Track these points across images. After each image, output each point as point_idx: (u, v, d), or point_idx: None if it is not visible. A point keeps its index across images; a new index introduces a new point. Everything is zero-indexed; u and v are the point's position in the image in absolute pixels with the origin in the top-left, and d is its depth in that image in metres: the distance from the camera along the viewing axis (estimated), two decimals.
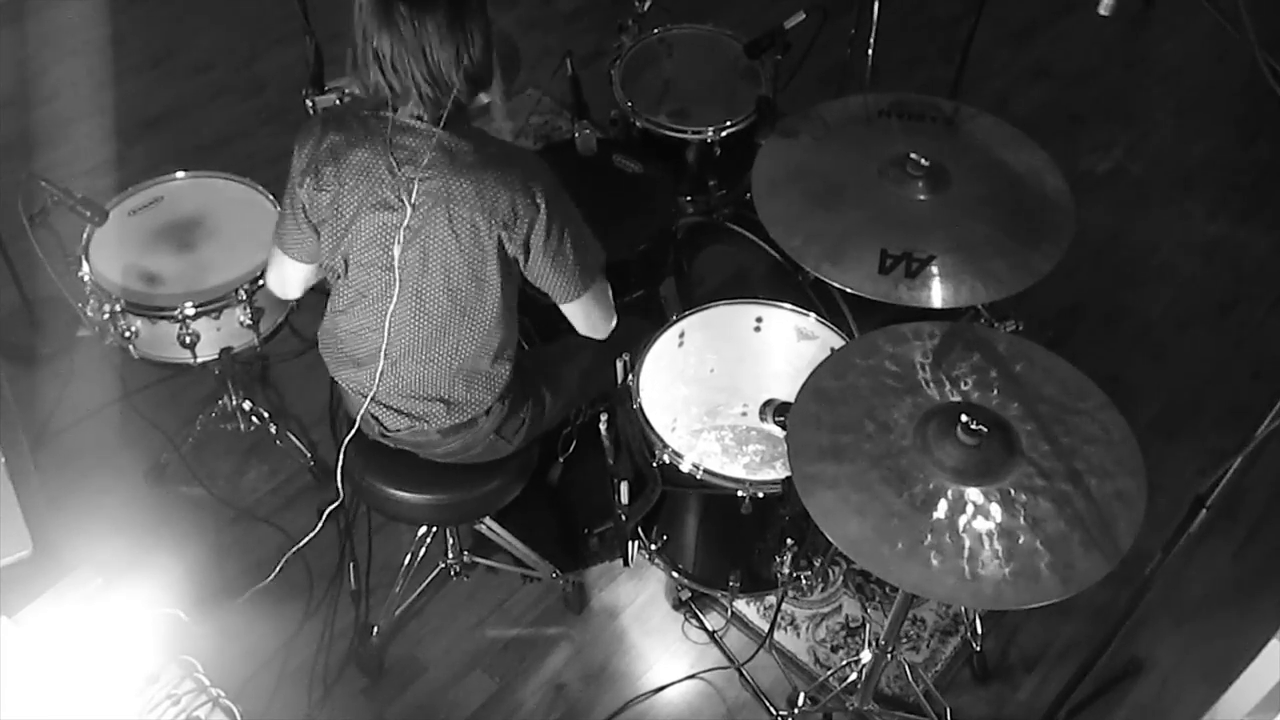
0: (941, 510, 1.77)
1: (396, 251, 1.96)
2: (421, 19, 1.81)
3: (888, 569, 1.75)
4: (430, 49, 1.82)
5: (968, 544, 1.74)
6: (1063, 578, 1.71)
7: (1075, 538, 1.74)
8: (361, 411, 2.18)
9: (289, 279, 2.21)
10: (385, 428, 2.20)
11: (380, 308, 2.04)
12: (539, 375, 2.28)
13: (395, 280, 1.99)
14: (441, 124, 1.90)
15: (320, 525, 2.48)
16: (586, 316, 2.16)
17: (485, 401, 2.15)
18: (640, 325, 2.47)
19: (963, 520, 1.76)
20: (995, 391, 1.92)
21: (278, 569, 2.62)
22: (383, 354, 2.08)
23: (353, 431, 2.21)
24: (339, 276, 2.08)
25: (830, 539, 1.78)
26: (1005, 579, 1.71)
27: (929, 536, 1.75)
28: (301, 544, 2.57)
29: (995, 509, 1.77)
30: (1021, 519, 1.76)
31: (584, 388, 2.41)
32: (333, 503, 2.35)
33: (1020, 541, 1.74)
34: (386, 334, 2.05)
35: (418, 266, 1.98)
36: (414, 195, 1.91)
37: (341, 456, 2.25)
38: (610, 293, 2.19)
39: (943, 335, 2.00)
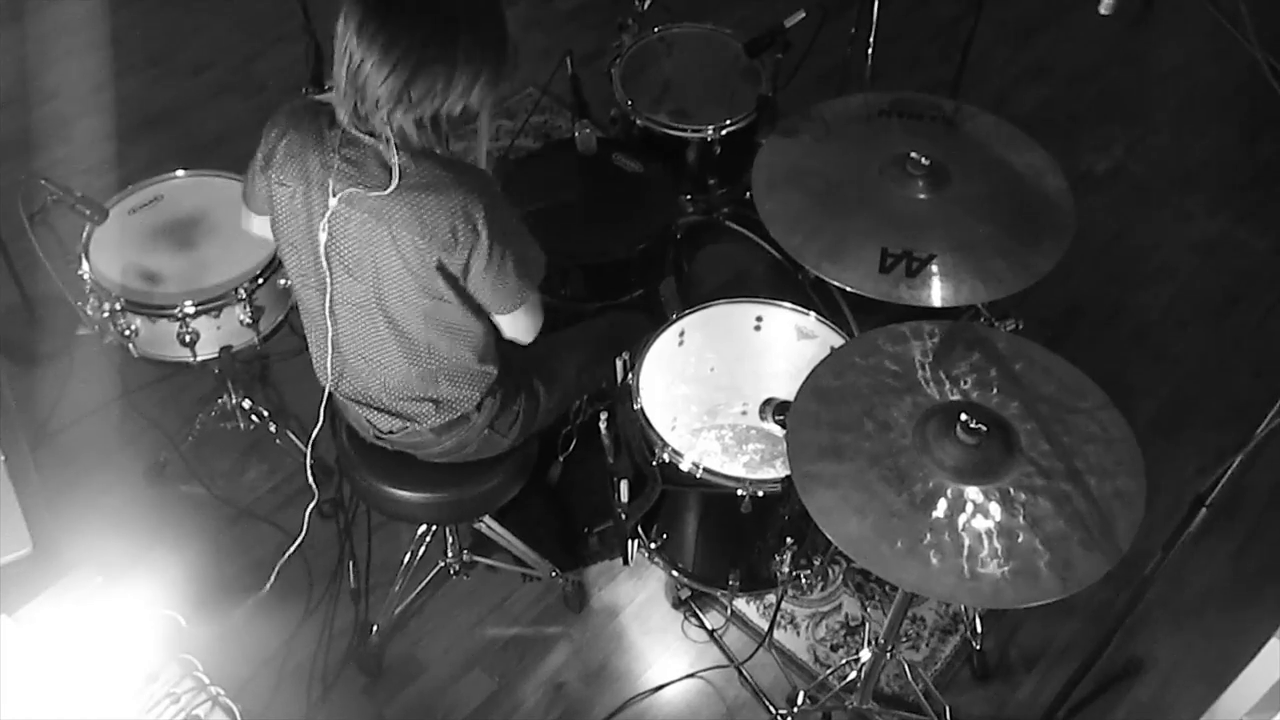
0: (941, 509, 1.77)
1: (327, 264, 1.96)
2: (400, 58, 1.74)
3: (887, 568, 1.75)
4: (391, 84, 1.76)
5: (967, 543, 1.74)
6: (1062, 577, 1.71)
7: (1075, 537, 1.74)
8: (322, 404, 2.18)
9: (252, 221, 2.19)
10: (379, 430, 2.20)
11: (342, 312, 2.04)
12: (531, 368, 2.27)
13: (328, 292, 1.99)
14: (390, 144, 1.83)
15: (304, 531, 2.45)
16: (515, 326, 2.10)
17: (474, 397, 2.14)
18: (640, 324, 2.46)
19: (962, 519, 1.76)
20: (995, 390, 1.92)
21: (269, 583, 2.61)
22: (328, 365, 2.10)
23: (320, 424, 2.19)
24: (302, 281, 2.07)
25: (830, 538, 1.78)
26: (1004, 578, 1.71)
27: (928, 535, 1.75)
28: (285, 556, 2.55)
29: (995, 508, 1.77)
30: (1021, 518, 1.76)
31: (580, 382, 2.41)
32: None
33: (1019, 540, 1.74)
34: (329, 346, 2.06)
35: (371, 279, 1.96)
36: (333, 206, 1.88)
37: (310, 448, 2.25)
38: (539, 304, 2.11)
39: (943, 335, 2.00)
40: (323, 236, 1.94)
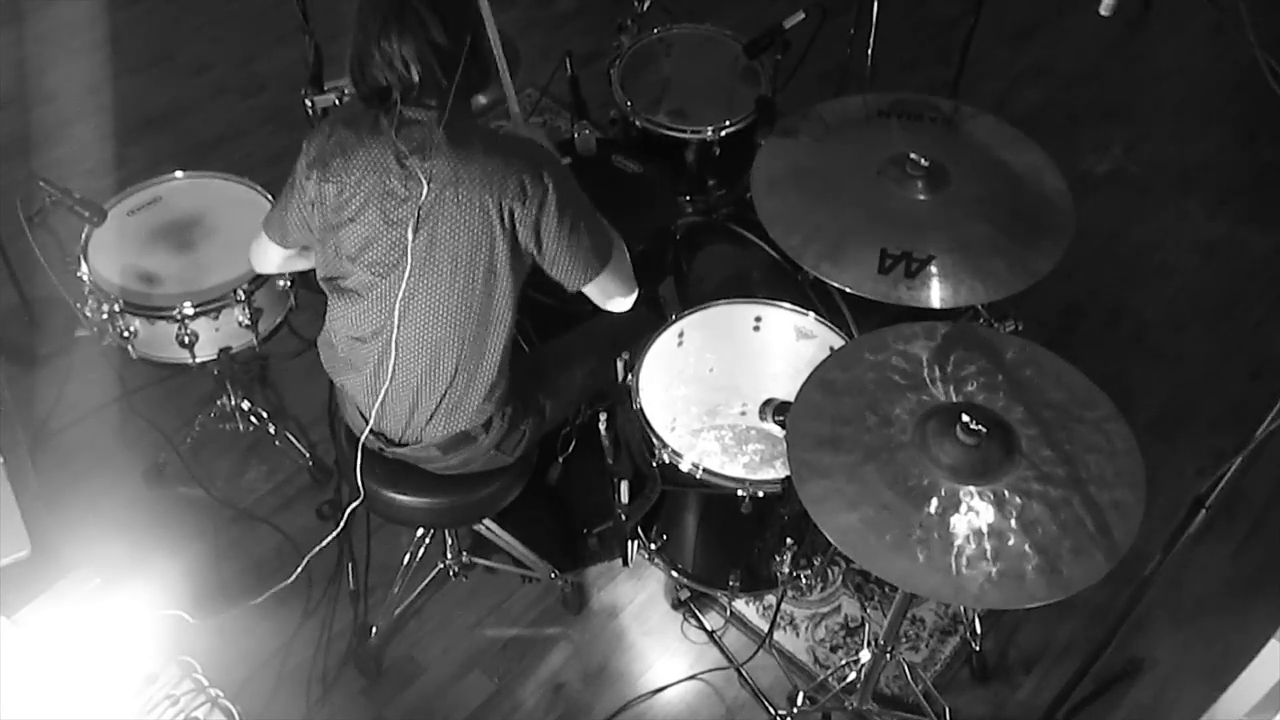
0: (934, 506, 1.76)
1: (410, 235, 1.96)
2: (430, 7, 1.84)
3: (873, 560, 1.74)
4: (436, 37, 1.85)
5: (957, 541, 1.73)
6: (1048, 582, 1.71)
7: (1066, 544, 1.74)
8: (372, 418, 2.16)
9: (270, 256, 2.24)
10: (386, 440, 2.19)
11: (384, 306, 2.04)
12: (536, 385, 2.27)
13: (407, 263, 1.99)
14: (446, 114, 1.91)
15: (342, 524, 2.42)
16: (604, 293, 2.16)
17: (486, 410, 2.14)
18: (640, 324, 2.46)
19: (954, 518, 1.76)
20: (1000, 394, 1.91)
21: (296, 572, 2.57)
22: (394, 345, 2.06)
23: (368, 428, 2.19)
24: (340, 279, 2.08)
25: (820, 527, 1.78)
26: (991, 578, 1.71)
27: (918, 530, 1.74)
28: (320, 546, 2.52)
29: (989, 509, 1.76)
30: (1013, 521, 1.75)
31: (584, 390, 2.41)
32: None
33: (1010, 543, 1.73)
34: (396, 325, 2.04)
35: (423, 255, 1.98)
36: (427, 177, 1.93)
37: (360, 454, 2.23)
38: (628, 262, 2.18)
39: (950, 336, 1.99)
40: (411, 235, 1.97)
